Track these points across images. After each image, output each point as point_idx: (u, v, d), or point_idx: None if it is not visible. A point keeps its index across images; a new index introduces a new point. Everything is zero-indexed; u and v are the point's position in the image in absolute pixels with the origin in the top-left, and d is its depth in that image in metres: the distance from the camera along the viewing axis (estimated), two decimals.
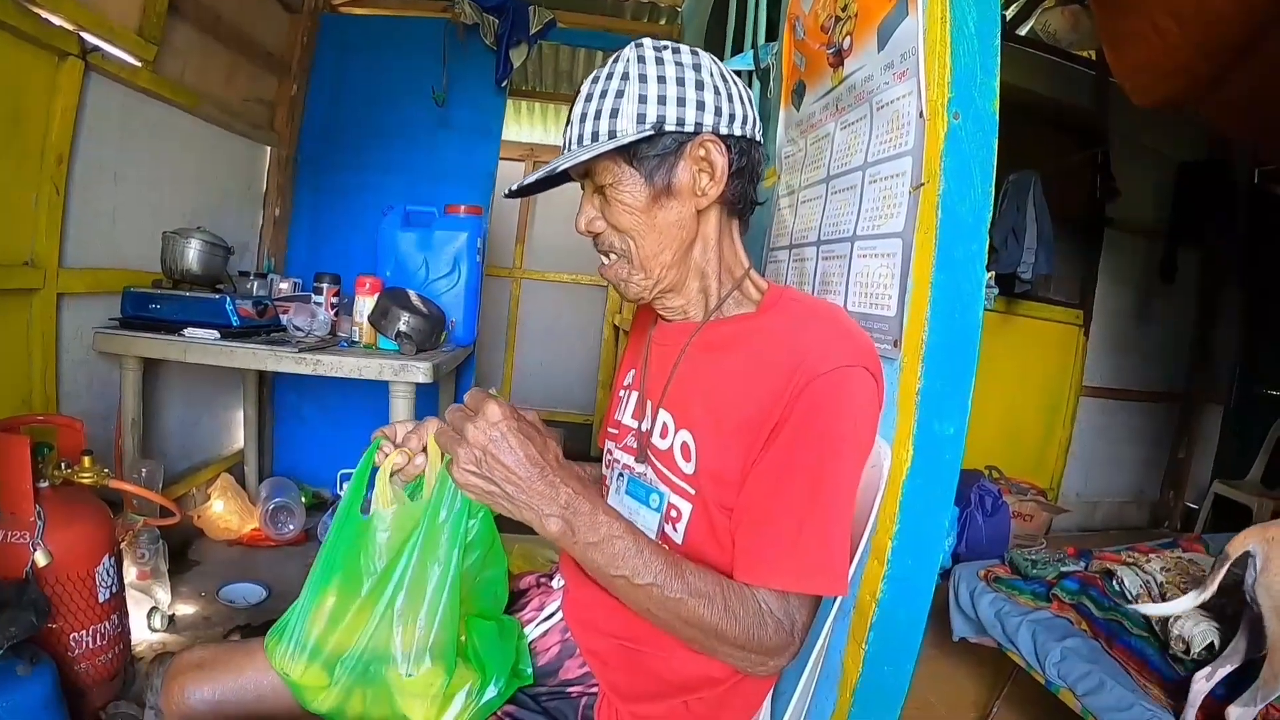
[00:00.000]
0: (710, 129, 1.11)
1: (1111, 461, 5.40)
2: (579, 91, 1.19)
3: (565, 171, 1.18)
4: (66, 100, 2.43)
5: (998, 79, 1.24)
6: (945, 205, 1.20)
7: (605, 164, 1.14)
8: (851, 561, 1.12)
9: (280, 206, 4.11)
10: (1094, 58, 4.65)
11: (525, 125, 6.62)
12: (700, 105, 1.10)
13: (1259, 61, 2.67)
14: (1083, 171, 4.70)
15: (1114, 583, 2.29)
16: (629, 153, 1.11)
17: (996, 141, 1.23)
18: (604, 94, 1.13)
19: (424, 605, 1.09)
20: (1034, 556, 2.58)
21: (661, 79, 1.11)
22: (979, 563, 2.70)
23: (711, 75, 1.13)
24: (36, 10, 2.24)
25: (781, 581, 1.02)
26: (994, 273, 3.82)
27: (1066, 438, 5.00)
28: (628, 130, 1.10)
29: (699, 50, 1.16)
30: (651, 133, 1.09)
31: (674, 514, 1.17)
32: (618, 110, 1.11)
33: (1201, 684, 1.77)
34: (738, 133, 1.13)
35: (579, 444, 6.13)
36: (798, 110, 1.91)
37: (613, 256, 1.21)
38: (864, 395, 1.06)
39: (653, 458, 1.22)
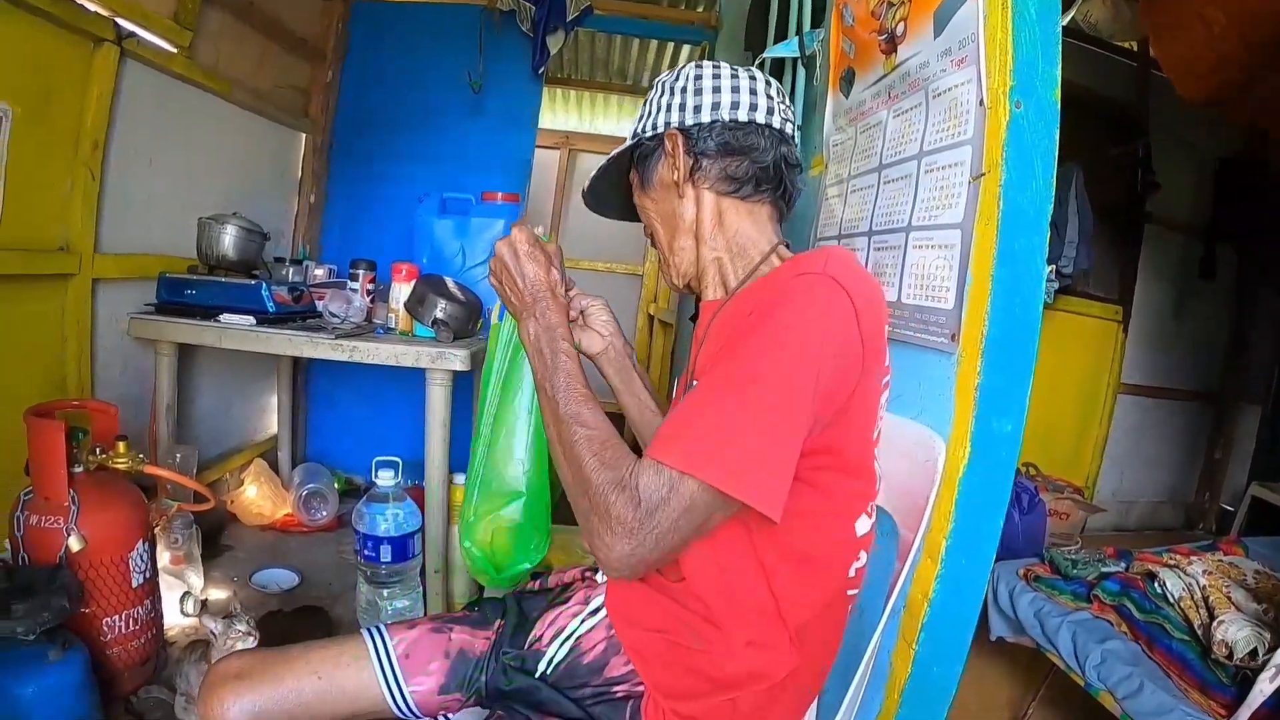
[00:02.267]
0: (676, 125, 1.31)
1: (1147, 461, 5.32)
2: None
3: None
4: (102, 86, 2.43)
5: (1059, 67, 1.21)
6: (1007, 196, 1.18)
7: (631, 179, 1.44)
8: (789, 479, 0.98)
9: (315, 193, 4.11)
10: (1135, 49, 4.58)
11: (561, 113, 6.59)
12: (667, 108, 1.33)
13: None
14: (1122, 165, 4.63)
15: (1155, 585, 2.24)
16: (634, 163, 1.41)
17: (1058, 131, 1.20)
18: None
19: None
20: (1074, 556, 2.54)
21: (648, 102, 1.39)
22: (1017, 561, 2.67)
23: (683, 79, 1.33)
24: None
25: (661, 453, 0.96)
26: (1054, 266, 3.76)
27: (1103, 436, 4.92)
28: (628, 144, 1.41)
29: (691, 64, 1.36)
30: (632, 142, 1.39)
31: None
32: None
33: (1265, 685, 1.71)
34: (706, 119, 1.29)
35: None
36: (846, 98, 1.88)
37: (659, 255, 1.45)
38: (824, 299, 1.01)
39: None
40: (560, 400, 1.11)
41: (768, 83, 1.32)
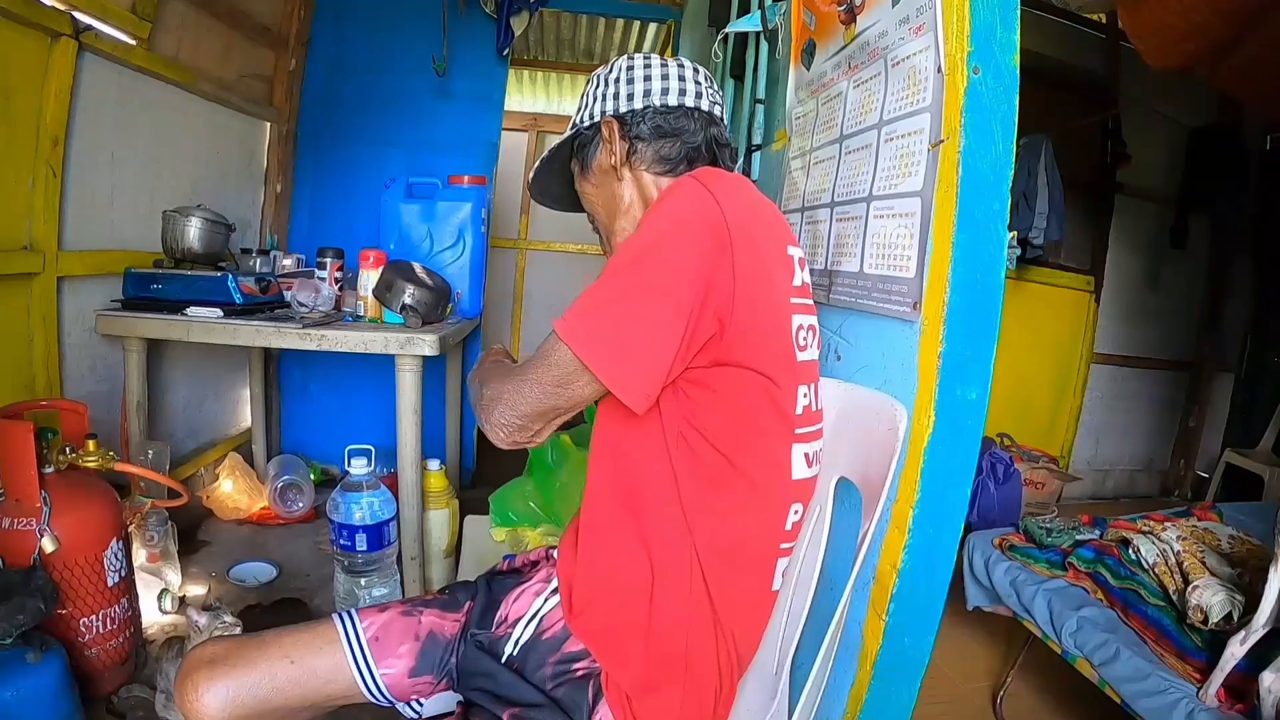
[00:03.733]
0: (610, 112, 1.39)
1: (1122, 429, 5.39)
2: None
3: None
4: (60, 81, 2.39)
5: (1018, 32, 1.20)
6: (966, 162, 1.17)
7: (573, 168, 1.50)
8: (654, 373, 1.08)
9: (281, 182, 4.07)
10: (1104, 21, 4.60)
11: (528, 95, 6.58)
12: (602, 98, 1.41)
13: (1275, 23, 2.63)
14: (1093, 136, 4.66)
15: (1130, 551, 2.26)
16: (574, 153, 1.48)
17: (1017, 97, 1.20)
18: None
19: None
20: (1049, 525, 2.56)
21: (584, 95, 1.47)
22: (993, 531, 2.68)
23: (616, 70, 1.42)
24: None
25: (557, 322, 1.10)
26: (1015, 233, 3.78)
27: (1077, 405, 4.98)
28: (566, 134, 1.47)
29: (624, 56, 1.45)
30: (571, 133, 1.46)
31: None
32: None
33: (1236, 648, 1.72)
34: (638, 105, 1.37)
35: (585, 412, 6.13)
36: (808, 70, 1.88)
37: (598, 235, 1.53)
38: (687, 194, 1.12)
39: None
40: (492, 366, 1.32)
41: (695, 70, 1.41)
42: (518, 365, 1.19)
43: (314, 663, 1.27)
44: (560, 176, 1.57)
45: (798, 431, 1.21)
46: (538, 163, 1.56)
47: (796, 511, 1.24)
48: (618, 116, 1.38)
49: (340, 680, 1.27)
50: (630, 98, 1.38)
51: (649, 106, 1.37)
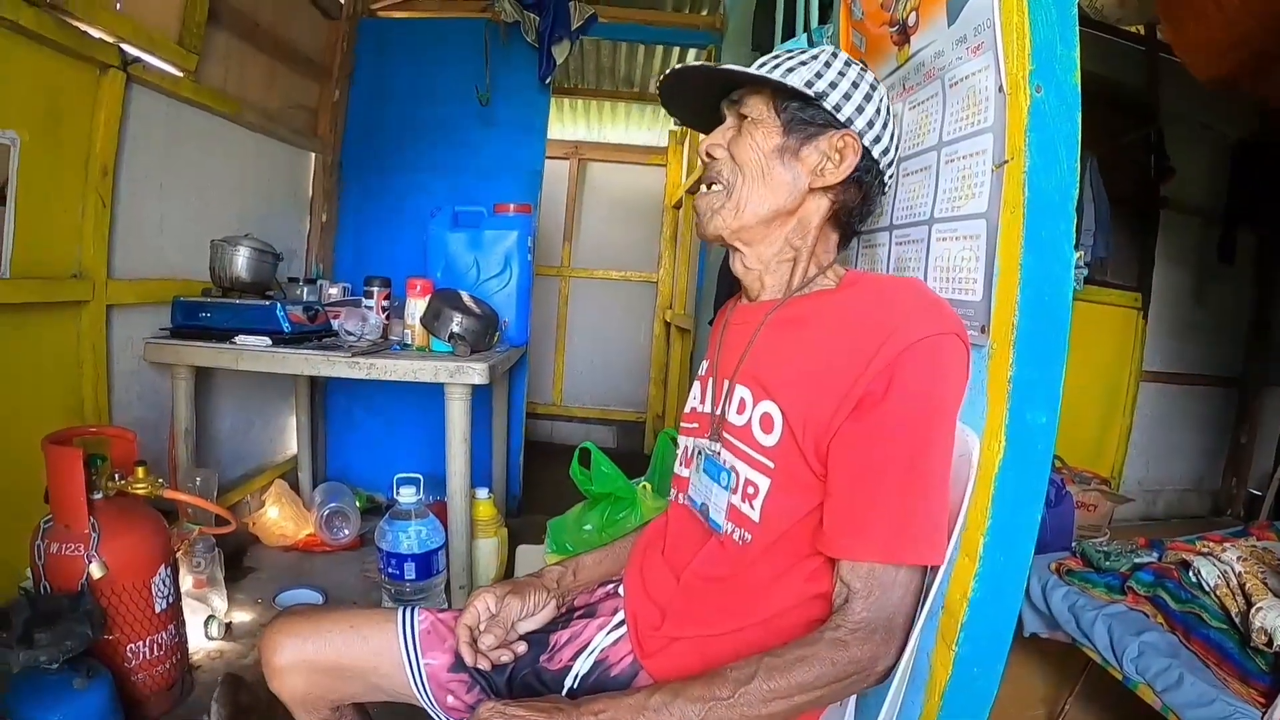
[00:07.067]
0: (858, 131, 1.20)
1: (1172, 448, 5.28)
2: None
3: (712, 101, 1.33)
4: (109, 112, 2.44)
5: (1078, 50, 1.18)
6: (1032, 183, 1.15)
7: (760, 100, 1.23)
8: (951, 534, 1.11)
9: (326, 212, 4.13)
10: (1143, 33, 4.55)
11: (569, 123, 6.60)
12: (861, 109, 1.21)
13: None
14: (1136, 151, 4.60)
15: (1190, 574, 2.21)
16: (783, 102, 1.22)
17: (1080, 115, 1.18)
18: (794, 57, 1.24)
19: None
20: (1106, 548, 2.50)
21: (843, 72, 1.22)
22: (1049, 556, 2.63)
23: (882, 100, 1.25)
24: (76, 24, 2.25)
25: (865, 552, 1.03)
26: (1081, 253, 3.75)
27: (1127, 425, 4.89)
28: (795, 83, 1.19)
29: (884, 96, 1.27)
30: (811, 95, 1.19)
31: (750, 490, 1.17)
32: (797, 68, 1.21)
33: None
34: (875, 154, 1.23)
35: (631, 441, 6.16)
36: None
37: (715, 187, 1.27)
38: (958, 362, 1.11)
39: (727, 435, 1.24)
40: (737, 696, 1.00)
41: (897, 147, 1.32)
42: (867, 613, 1.04)
43: (369, 633, 1.34)
44: (704, 93, 1.33)
45: None
46: (712, 64, 1.28)
47: None
48: (864, 145, 1.22)
49: (388, 658, 1.33)
50: (877, 141, 1.23)
51: (880, 164, 1.25)
